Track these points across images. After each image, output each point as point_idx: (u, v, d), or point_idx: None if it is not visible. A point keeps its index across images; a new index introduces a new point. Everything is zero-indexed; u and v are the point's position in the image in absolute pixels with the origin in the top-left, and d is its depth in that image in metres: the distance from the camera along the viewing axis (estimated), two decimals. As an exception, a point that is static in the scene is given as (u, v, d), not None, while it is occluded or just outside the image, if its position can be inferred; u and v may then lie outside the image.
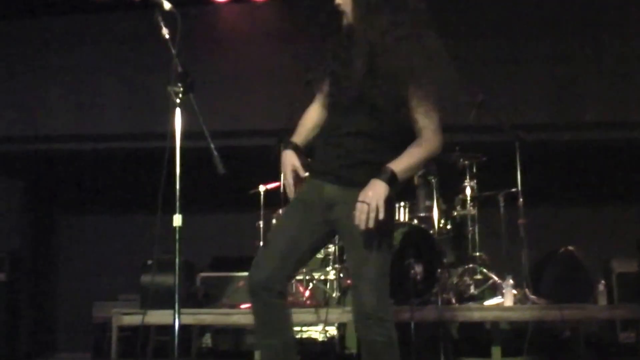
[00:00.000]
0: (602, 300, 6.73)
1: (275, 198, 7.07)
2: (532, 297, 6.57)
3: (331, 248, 7.57)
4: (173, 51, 3.78)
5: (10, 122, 8.52)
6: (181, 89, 3.70)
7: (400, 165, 3.63)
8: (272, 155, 6.41)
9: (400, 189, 3.74)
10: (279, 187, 7.21)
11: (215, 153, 3.72)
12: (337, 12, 3.73)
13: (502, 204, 7.02)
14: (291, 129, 3.99)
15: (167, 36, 3.80)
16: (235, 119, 8.39)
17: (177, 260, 3.64)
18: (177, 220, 3.63)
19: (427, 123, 3.68)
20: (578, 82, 8.25)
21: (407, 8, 3.67)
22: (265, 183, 7.36)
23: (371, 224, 3.51)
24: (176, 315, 3.64)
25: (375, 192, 3.53)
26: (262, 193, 7.37)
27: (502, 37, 8.31)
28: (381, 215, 3.52)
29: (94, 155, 8.93)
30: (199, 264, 7.83)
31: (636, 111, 8.27)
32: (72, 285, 9.07)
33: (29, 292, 7.49)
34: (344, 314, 6.42)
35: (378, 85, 3.62)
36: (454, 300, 6.57)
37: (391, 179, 3.58)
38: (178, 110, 3.70)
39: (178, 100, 3.70)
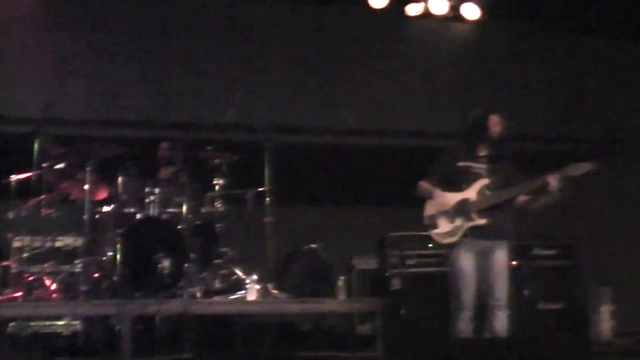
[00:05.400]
0: (342, 295, 7.85)
1: (28, 188, 7.65)
2: (275, 292, 7.56)
3: (79, 241, 8.19)
4: None
5: None
6: None
7: None
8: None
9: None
10: (31, 177, 7.78)
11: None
12: None
13: (250, 202, 7.96)
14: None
15: None
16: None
17: None
18: None
19: None
20: (331, 88, 9.55)
21: None
22: (17, 173, 7.81)
23: None
24: None
25: None
26: (13, 183, 7.78)
27: (264, 40, 9.41)
28: None
29: None
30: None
31: (380, 119, 9.70)
32: None
33: None
34: (94, 307, 7.06)
35: None
36: (199, 295, 7.40)
37: None
38: None
39: None
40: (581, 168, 6.31)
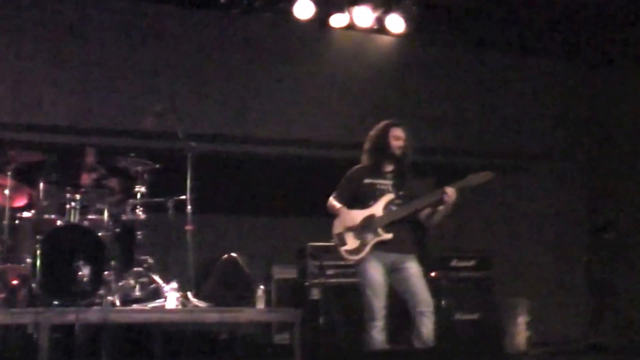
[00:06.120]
0: (261, 304, 8.00)
1: None
2: (194, 300, 7.73)
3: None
4: None
5: None
6: None
7: None
8: None
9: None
10: None
11: None
12: None
13: (171, 210, 8.11)
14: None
15: None
16: None
17: None
18: None
19: None
20: (249, 99, 9.79)
21: None
22: None
23: None
24: None
25: None
26: None
27: (184, 48, 9.62)
28: None
29: None
30: None
31: (301, 130, 9.97)
32: None
33: None
34: (11, 315, 7.04)
35: None
36: (118, 303, 7.51)
37: None
38: None
39: None
40: (481, 177, 6.58)
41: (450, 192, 6.53)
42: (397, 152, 6.78)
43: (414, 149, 6.85)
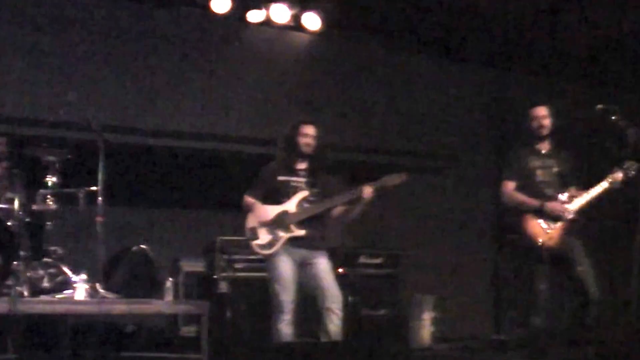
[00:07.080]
0: (169, 297, 8.11)
1: None
2: (103, 291, 7.79)
3: None
4: None
5: None
6: None
7: None
8: None
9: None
10: None
11: None
12: None
13: (82, 201, 8.16)
14: None
15: None
16: None
17: None
18: None
19: None
20: (162, 91, 9.94)
21: None
22: None
23: None
24: None
25: None
26: None
27: (100, 38, 9.72)
28: None
29: None
30: None
31: (214, 124, 10.16)
32: None
33: None
34: None
35: None
36: (26, 293, 7.51)
37: None
38: None
39: None
40: (396, 178, 6.88)
41: (368, 191, 6.83)
42: (307, 149, 7.04)
43: (328, 146, 7.11)
